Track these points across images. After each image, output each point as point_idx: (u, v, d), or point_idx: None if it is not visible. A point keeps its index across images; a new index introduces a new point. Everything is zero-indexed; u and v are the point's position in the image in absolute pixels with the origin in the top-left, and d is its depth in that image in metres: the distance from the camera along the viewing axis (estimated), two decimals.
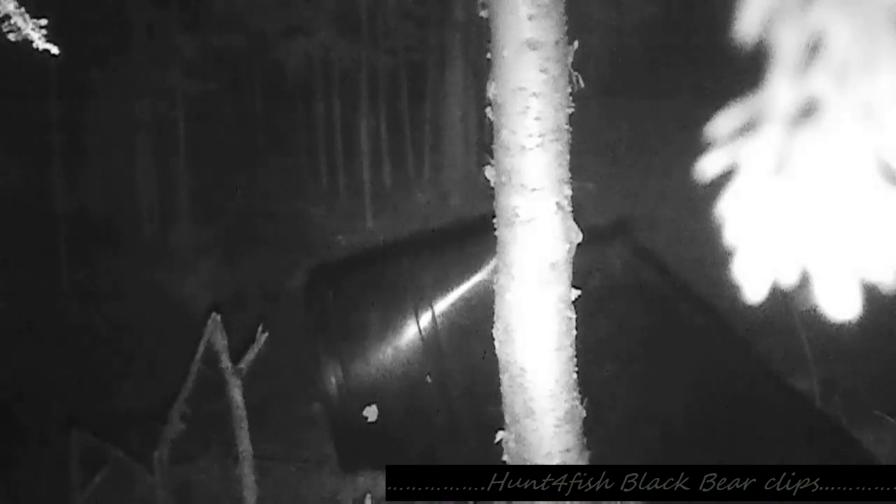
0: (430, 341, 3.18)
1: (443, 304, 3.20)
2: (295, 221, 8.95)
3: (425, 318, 3.19)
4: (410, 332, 3.20)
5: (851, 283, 0.64)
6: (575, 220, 1.93)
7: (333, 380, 3.22)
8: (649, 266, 3.34)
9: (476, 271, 3.15)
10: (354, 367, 3.22)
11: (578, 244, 1.95)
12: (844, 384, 4.54)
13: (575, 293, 1.99)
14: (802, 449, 2.96)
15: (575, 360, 2.03)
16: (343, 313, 3.36)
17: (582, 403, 2.07)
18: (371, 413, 3.17)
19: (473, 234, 3.22)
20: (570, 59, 1.83)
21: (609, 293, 3.04)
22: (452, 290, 3.19)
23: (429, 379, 3.18)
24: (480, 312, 3.00)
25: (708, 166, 0.67)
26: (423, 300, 3.20)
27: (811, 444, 3.02)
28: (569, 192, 1.90)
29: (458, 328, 3.17)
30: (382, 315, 3.24)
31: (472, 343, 3.05)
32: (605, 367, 3.00)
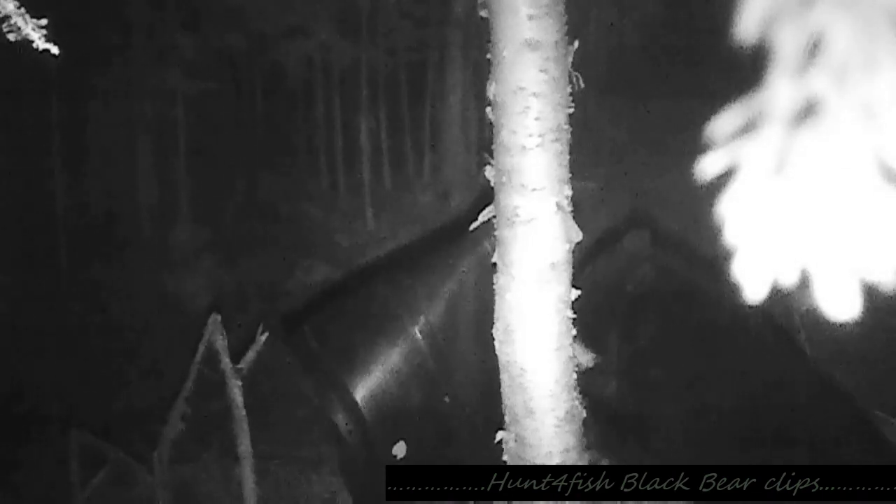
0: (438, 358, 3.09)
1: (436, 319, 3.10)
2: (295, 221, 8.96)
3: (425, 338, 3.10)
4: (416, 356, 3.10)
5: (851, 283, 0.64)
6: (575, 219, 1.93)
7: (346, 426, 3.10)
8: (672, 254, 3.30)
9: (453, 273, 3.08)
10: (366, 407, 3.08)
11: (578, 246, 1.95)
12: (844, 384, 4.53)
13: (575, 293, 1.99)
14: (844, 445, 2.91)
15: (575, 360, 2.03)
16: (338, 356, 3.20)
17: (582, 403, 2.07)
18: (399, 450, 3.06)
19: (452, 238, 3.17)
20: (570, 59, 1.83)
21: (646, 296, 3.03)
22: (440, 301, 3.10)
23: (447, 399, 3.10)
24: (467, 315, 2.97)
25: (708, 166, 0.67)
26: (418, 320, 3.10)
27: (850, 439, 2.97)
28: (569, 192, 1.90)
29: (456, 338, 3.10)
30: (384, 346, 3.12)
31: (467, 347, 3.02)
32: (654, 369, 2.98)
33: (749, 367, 3.05)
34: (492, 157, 1.91)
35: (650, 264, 3.19)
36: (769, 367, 3.10)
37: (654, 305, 3.12)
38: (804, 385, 3.14)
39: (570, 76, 1.84)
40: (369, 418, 3.07)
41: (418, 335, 3.10)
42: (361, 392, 3.09)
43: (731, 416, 2.96)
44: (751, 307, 3.18)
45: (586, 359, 3.00)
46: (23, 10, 1.39)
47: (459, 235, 3.09)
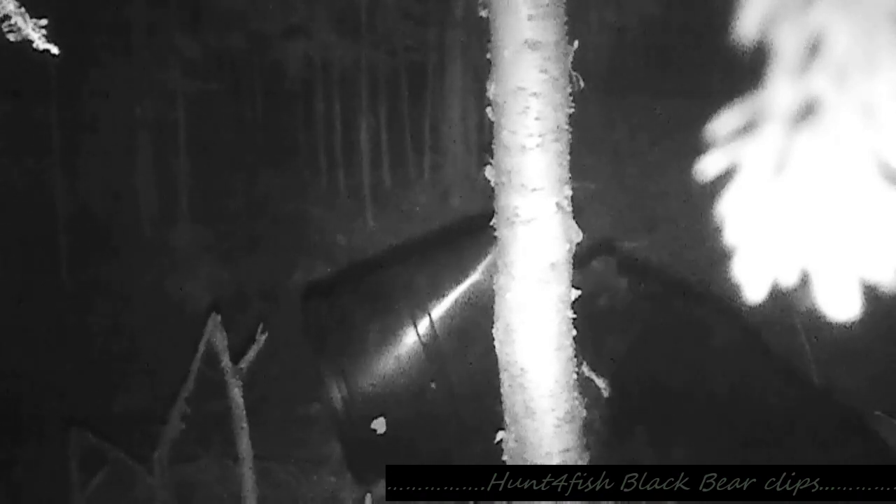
0: (431, 347, 3.17)
1: (440, 308, 3.18)
2: (295, 221, 8.95)
3: (423, 324, 3.17)
4: (410, 339, 3.18)
5: (851, 283, 0.64)
6: (575, 219, 1.93)
7: (339, 396, 3.19)
8: (639, 278, 3.34)
9: (470, 272, 3.14)
10: (357, 381, 3.20)
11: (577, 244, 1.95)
12: (844, 384, 4.54)
13: (575, 293, 1.99)
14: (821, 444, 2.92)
15: (575, 360, 2.03)
16: (340, 328, 3.33)
17: (582, 404, 2.07)
18: (379, 425, 3.14)
19: (467, 234, 3.23)
20: (571, 59, 1.83)
21: (616, 314, 3.07)
22: (448, 292, 3.18)
23: (433, 385, 3.16)
24: (478, 313, 3.00)
25: (708, 166, 0.67)
26: (420, 306, 3.18)
27: (832, 440, 2.98)
28: (569, 192, 1.90)
29: (457, 330, 3.16)
30: (380, 325, 3.22)
31: (472, 344, 3.05)
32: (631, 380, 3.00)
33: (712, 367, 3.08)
34: (492, 157, 1.91)
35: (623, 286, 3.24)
36: (733, 364, 3.13)
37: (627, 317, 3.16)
38: (781, 394, 3.15)
39: (570, 76, 1.84)
40: (357, 393, 3.16)
41: (415, 324, 3.17)
42: (352, 369, 3.18)
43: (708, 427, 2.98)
44: (725, 320, 3.23)
45: (602, 384, 3.04)
46: (23, 10, 1.39)
47: (471, 234, 3.14)
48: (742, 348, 3.27)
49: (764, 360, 3.35)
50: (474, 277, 3.13)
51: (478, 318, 2.98)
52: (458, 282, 3.16)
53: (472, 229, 3.02)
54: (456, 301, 3.17)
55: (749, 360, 3.23)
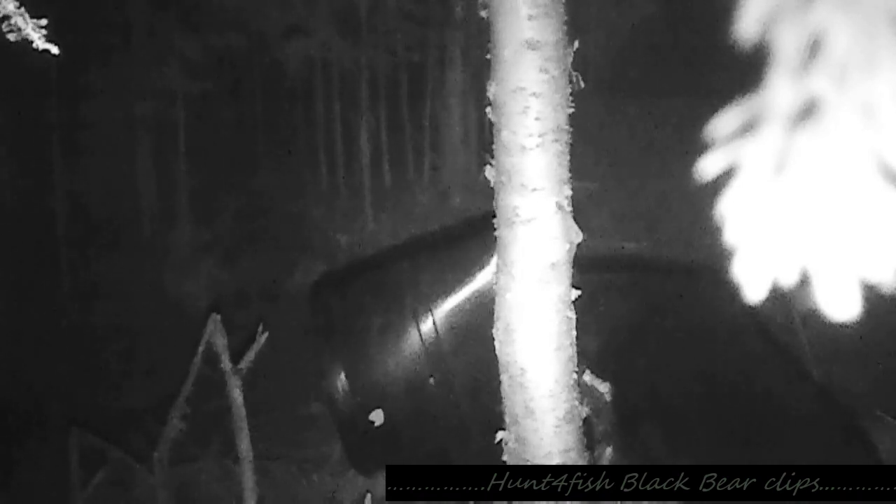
0: (431, 343, 3.19)
1: (443, 306, 3.21)
2: (295, 221, 8.96)
3: (425, 321, 3.20)
4: (411, 335, 3.21)
5: (851, 283, 0.64)
6: (575, 219, 1.93)
7: (339, 385, 3.23)
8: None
9: (475, 272, 3.16)
10: (359, 372, 3.23)
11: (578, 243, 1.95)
12: (844, 384, 4.54)
13: (575, 293, 1.99)
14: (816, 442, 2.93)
15: (575, 359, 2.03)
16: (346, 319, 3.37)
17: (581, 404, 2.07)
18: (377, 417, 3.17)
19: (473, 234, 3.24)
20: (570, 59, 1.83)
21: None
22: (452, 291, 3.20)
23: (432, 381, 3.18)
24: (480, 313, 3.02)
25: (708, 166, 0.67)
26: (423, 302, 3.21)
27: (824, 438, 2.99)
28: (569, 192, 1.90)
29: (458, 329, 3.18)
30: (384, 319, 3.26)
31: (473, 343, 3.06)
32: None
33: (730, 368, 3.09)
34: (492, 157, 1.91)
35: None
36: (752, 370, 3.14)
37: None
38: (790, 386, 3.16)
39: (570, 76, 1.84)
40: (358, 384, 3.18)
41: (417, 320, 3.19)
42: (354, 360, 3.21)
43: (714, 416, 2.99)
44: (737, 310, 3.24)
45: (605, 389, 3.05)
46: (23, 10, 1.39)
47: (484, 233, 3.16)
48: (738, 331, 3.28)
49: (759, 339, 3.36)
50: (479, 278, 3.15)
51: (479, 318, 3.00)
52: (464, 282, 3.19)
53: (476, 230, 3.03)
54: (459, 300, 3.20)
55: (743, 343, 3.25)
